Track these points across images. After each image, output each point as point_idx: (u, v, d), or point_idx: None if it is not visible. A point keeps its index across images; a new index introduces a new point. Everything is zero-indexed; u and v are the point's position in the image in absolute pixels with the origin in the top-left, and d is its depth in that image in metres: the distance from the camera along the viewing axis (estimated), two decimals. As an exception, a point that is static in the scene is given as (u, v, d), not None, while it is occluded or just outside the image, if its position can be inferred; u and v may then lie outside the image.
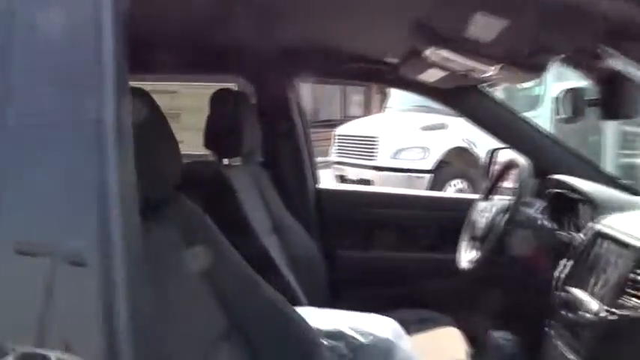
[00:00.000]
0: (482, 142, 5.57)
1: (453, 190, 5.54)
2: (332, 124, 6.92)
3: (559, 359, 1.32)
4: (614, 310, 1.13)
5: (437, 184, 5.48)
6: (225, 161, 1.82)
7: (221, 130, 1.71)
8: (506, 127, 1.97)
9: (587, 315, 1.22)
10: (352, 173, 5.90)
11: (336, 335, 1.34)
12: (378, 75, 1.88)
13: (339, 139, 6.28)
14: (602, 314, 1.16)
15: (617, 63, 0.99)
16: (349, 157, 6.03)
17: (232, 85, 2.09)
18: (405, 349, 1.36)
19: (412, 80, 1.73)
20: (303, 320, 1.21)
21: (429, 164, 5.58)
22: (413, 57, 1.48)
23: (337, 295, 2.08)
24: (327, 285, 2.04)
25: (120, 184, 0.55)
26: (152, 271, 0.73)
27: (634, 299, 1.10)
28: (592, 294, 1.26)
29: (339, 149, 6.22)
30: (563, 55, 1.13)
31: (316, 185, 2.26)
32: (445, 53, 1.30)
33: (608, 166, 4.62)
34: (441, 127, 5.73)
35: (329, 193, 2.29)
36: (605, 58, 0.87)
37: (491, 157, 1.95)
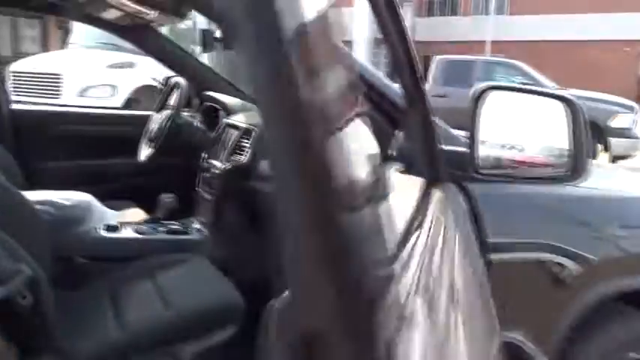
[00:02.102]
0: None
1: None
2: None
3: (204, 203, 2.10)
4: (227, 163, 1.96)
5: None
6: None
7: None
8: (175, 57, 2.60)
9: (215, 170, 2.03)
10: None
11: (45, 202, 1.82)
12: (63, 9, 2.25)
13: (14, 76, 6.02)
14: (222, 166, 1.98)
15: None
16: (29, 96, 5.81)
17: None
18: (100, 208, 1.94)
19: (96, 17, 2.20)
20: (21, 194, 1.65)
21: (118, 102, 5.81)
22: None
23: None
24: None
25: None
26: None
27: (236, 156, 1.93)
28: (218, 159, 2.06)
29: (15, 87, 5.94)
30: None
31: (10, 106, 2.56)
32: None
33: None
34: (129, 65, 6.00)
35: (25, 113, 2.61)
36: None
37: (165, 84, 2.59)
